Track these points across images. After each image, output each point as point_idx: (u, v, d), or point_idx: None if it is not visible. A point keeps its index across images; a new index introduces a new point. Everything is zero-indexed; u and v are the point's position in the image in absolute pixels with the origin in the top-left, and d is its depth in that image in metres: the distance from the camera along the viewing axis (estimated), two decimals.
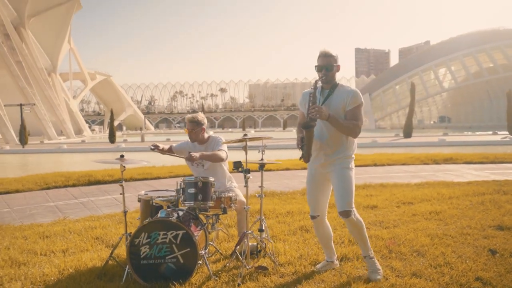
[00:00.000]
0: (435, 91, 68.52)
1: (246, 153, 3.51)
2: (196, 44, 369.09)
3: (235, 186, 4.18)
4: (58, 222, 5.82)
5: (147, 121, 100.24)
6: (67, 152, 28.50)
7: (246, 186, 3.40)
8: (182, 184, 3.42)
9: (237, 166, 3.34)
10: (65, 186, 10.04)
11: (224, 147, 4.14)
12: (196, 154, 3.71)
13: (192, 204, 3.35)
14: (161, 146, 3.94)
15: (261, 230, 3.72)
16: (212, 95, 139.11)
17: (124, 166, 3.45)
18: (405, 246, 4.01)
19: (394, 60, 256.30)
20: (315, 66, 3.21)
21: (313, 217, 3.38)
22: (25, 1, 59.40)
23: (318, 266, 3.46)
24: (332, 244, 3.58)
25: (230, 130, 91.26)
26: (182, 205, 3.44)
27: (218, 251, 3.81)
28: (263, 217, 3.78)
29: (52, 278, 3.28)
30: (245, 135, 3.57)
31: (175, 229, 3.11)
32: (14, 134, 40.48)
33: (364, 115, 76.82)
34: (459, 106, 69.89)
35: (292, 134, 55.53)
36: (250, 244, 3.72)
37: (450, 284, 3.01)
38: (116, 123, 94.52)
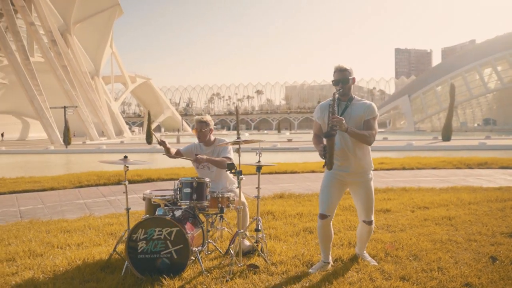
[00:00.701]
0: (480, 92, 65.60)
1: (240, 156, 3.63)
2: (234, 46, 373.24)
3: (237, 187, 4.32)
4: (81, 219, 6.20)
5: (184, 123, 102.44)
6: (106, 152, 29.73)
7: (238, 187, 3.54)
8: (179, 184, 3.61)
9: (230, 167, 3.48)
10: (97, 185, 10.58)
11: (231, 153, 4.26)
12: (203, 157, 3.89)
13: (188, 203, 3.54)
14: (168, 145, 4.12)
15: (257, 230, 3.85)
16: (248, 97, 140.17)
17: (128, 167, 3.69)
18: (403, 250, 4.00)
19: (436, 60, 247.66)
20: (332, 81, 3.44)
21: (324, 216, 3.49)
22: (71, 9, 62.53)
23: (314, 267, 3.54)
24: (330, 245, 3.66)
25: (265, 132, 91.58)
26: (179, 203, 3.64)
27: (218, 249, 3.97)
28: (259, 217, 3.90)
29: (61, 269, 3.56)
30: (238, 137, 3.70)
31: (170, 226, 3.30)
32: (59, 135, 42.62)
33: (402, 117, 74.85)
34: (505, 108, 66.60)
35: None
36: (248, 243, 3.86)
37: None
38: (154, 125, 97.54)
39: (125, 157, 3.70)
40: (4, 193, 9.50)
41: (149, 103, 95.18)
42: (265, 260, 3.56)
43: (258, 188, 3.91)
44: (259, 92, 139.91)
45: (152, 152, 28.38)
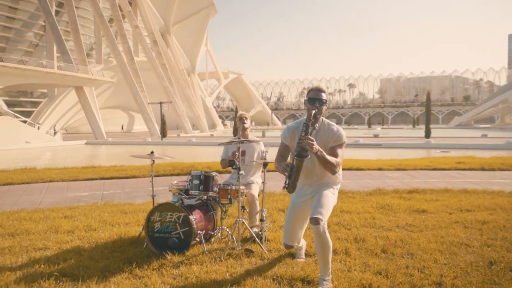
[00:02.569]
0: None
1: (240, 155, 4.10)
2: (324, 39, 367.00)
3: (256, 182, 4.80)
4: (143, 204, 7.19)
5: (274, 117, 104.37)
6: (195, 144, 32.05)
7: (238, 180, 4.03)
8: (190, 176, 4.24)
9: (231, 164, 4.00)
10: (171, 175, 11.78)
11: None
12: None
13: (196, 193, 4.14)
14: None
15: (261, 220, 4.31)
16: (340, 90, 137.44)
17: (154, 160, 4.42)
18: (403, 248, 4.14)
19: None
20: (307, 99, 3.27)
21: (287, 247, 3.50)
22: (170, 11, 67.61)
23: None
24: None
25: (356, 127, 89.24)
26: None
27: (230, 234, 4.50)
28: (264, 209, 4.36)
29: (102, 241, 4.44)
30: (239, 138, 4.17)
31: (178, 212, 3.94)
32: (158, 128, 46.73)
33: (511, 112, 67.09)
34: None
35: (410, 132, 51.91)
36: (254, 231, 4.35)
37: (402, 284, 3.20)
38: None
39: (152, 152, 4.43)
40: (95, 179, 11.13)
41: (240, 97, 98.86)
42: (261, 247, 4.01)
43: (263, 183, 4.36)
44: (351, 86, 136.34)
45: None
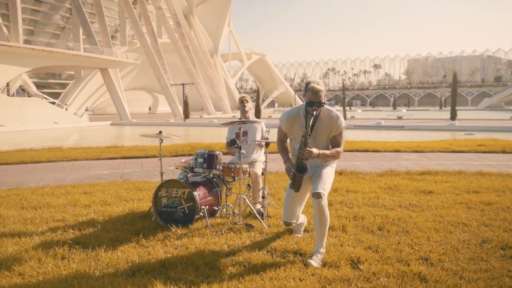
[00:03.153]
0: None
1: (241, 135, 4.29)
2: (349, 19, 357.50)
3: (259, 160, 5.01)
4: (154, 182, 7.51)
5: (297, 98, 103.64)
6: (216, 126, 32.39)
7: (239, 159, 4.23)
8: (195, 155, 4.48)
9: (233, 143, 4.20)
10: (189, 155, 12.12)
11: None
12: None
13: (201, 170, 4.38)
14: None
15: (263, 197, 4.52)
16: (365, 71, 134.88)
17: (162, 140, 4.68)
18: (399, 226, 4.27)
19: None
20: (306, 102, 3.31)
21: (287, 224, 3.65)
22: None
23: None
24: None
25: (380, 108, 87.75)
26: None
27: (234, 211, 4.73)
28: (266, 186, 4.56)
29: (115, 215, 4.76)
30: (240, 119, 4.35)
31: (183, 188, 4.19)
32: (181, 109, 47.34)
33: None
34: None
35: (436, 114, 50.52)
36: (257, 207, 4.57)
37: (390, 259, 3.36)
38: (268, 100, 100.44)
39: (160, 132, 4.68)
40: (116, 158, 11.59)
41: (264, 78, 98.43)
42: (261, 222, 4.23)
43: (265, 162, 4.55)
44: (376, 66, 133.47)
45: None
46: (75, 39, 47.81)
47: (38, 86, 55.05)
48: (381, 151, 12.77)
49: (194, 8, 68.71)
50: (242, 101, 5.08)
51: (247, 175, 4.66)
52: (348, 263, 3.23)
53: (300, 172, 3.24)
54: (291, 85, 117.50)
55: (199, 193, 4.22)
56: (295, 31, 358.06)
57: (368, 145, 13.58)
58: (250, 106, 5.10)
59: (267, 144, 4.52)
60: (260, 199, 4.75)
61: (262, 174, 5.08)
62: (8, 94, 41.16)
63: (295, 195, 3.51)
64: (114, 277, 2.91)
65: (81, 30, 45.24)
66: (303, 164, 3.22)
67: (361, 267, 3.15)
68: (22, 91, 44.01)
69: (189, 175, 4.52)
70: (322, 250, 3.36)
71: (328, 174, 3.48)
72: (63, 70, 54.77)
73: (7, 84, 41.09)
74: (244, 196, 4.34)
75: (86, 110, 41.88)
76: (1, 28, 45.27)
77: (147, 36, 50.40)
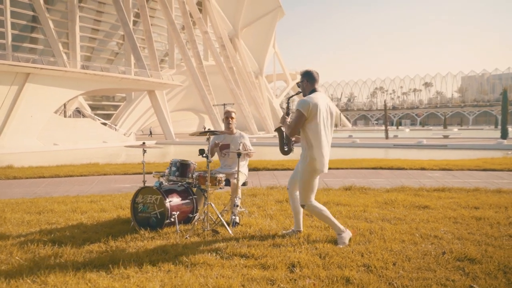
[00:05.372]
0: None
1: (210, 144, 4.53)
2: (397, 37, 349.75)
3: (241, 171, 5.20)
4: None
5: (344, 118, 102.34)
6: (254, 145, 32.79)
7: (208, 168, 4.45)
8: (170, 163, 4.77)
9: (201, 152, 4.44)
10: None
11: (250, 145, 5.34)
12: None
13: (174, 178, 4.66)
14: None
15: (236, 205, 4.70)
16: (415, 90, 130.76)
17: (145, 150, 5.03)
18: (364, 237, 4.27)
19: None
20: (297, 83, 4.35)
21: (288, 188, 4.38)
22: (239, 16, 69.68)
23: (284, 231, 4.38)
24: (300, 217, 4.37)
25: (430, 128, 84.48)
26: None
27: (211, 218, 4.95)
28: (239, 195, 4.75)
29: (103, 220, 5.13)
30: (207, 128, 4.59)
31: (156, 194, 4.49)
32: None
33: None
34: None
35: (490, 133, 47.59)
36: (235, 216, 4.76)
37: (330, 264, 3.41)
38: None
39: (143, 143, 5.04)
40: (141, 173, 12.20)
41: None
42: (226, 229, 4.40)
43: (238, 171, 4.75)
44: (427, 85, 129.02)
45: (299, 146, 30.07)
46: (127, 64, 50.88)
47: (93, 108, 58.78)
48: (406, 169, 12.44)
49: (239, 31, 70.82)
50: (228, 118, 5.36)
51: (222, 184, 4.86)
52: (285, 266, 3.33)
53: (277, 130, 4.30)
54: (337, 105, 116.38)
55: (170, 200, 4.48)
56: (342, 51, 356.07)
57: (392, 163, 13.28)
58: (235, 122, 5.38)
59: (238, 155, 4.72)
60: (237, 208, 4.93)
61: (244, 185, 5.28)
62: (65, 116, 44.38)
63: (296, 170, 4.26)
64: (63, 269, 3.22)
65: (132, 55, 48.09)
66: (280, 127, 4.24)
67: (295, 270, 3.24)
68: (78, 112, 47.27)
69: (170, 183, 4.81)
70: (341, 232, 4.08)
71: (302, 179, 4.05)
72: (114, 93, 58.18)
73: (64, 106, 44.36)
74: (212, 203, 4.54)
75: (150, 132, 44.18)
76: (61, 55, 49.23)
77: (193, 59, 52.49)
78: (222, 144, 5.32)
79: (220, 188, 4.84)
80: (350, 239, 4.08)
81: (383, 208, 5.99)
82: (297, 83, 4.23)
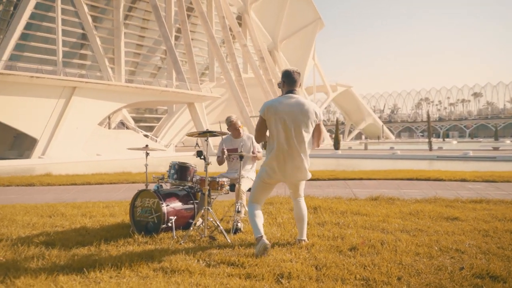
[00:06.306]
0: None
1: (207, 145, 4.31)
2: (444, 46, 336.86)
3: (247, 177, 4.95)
4: None
5: (386, 130, 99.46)
6: None
7: (205, 170, 4.22)
8: (169, 166, 4.58)
9: (199, 154, 4.22)
10: None
11: (259, 147, 5.10)
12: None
13: (173, 181, 4.46)
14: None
15: (238, 211, 4.43)
16: (463, 100, 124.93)
17: (148, 153, 4.90)
18: (375, 248, 3.86)
19: None
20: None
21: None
22: (278, 28, 70.04)
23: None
24: (303, 225, 4.03)
25: (480, 140, 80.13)
26: (168, 182, 4.60)
27: (214, 223, 4.68)
28: (240, 201, 4.47)
29: (107, 224, 5.03)
30: (207, 129, 4.37)
31: (154, 198, 4.31)
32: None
33: None
34: None
35: None
36: (238, 223, 4.49)
37: (325, 276, 3.05)
38: (355, 132, 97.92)
39: (147, 145, 4.91)
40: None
41: (350, 110, 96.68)
42: (224, 236, 4.13)
43: (239, 175, 4.49)
44: (476, 95, 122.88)
45: (335, 157, 29.41)
46: (169, 77, 52.28)
47: (136, 120, 60.78)
48: (444, 180, 11.62)
49: (279, 44, 71.11)
50: (237, 129, 5.14)
51: (225, 189, 4.62)
52: (273, 277, 3.01)
53: None
54: (380, 117, 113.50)
55: (168, 204, 4.29)
56: (384, 61, 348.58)
57: (429, 174, 12.49)
58: (241, 129, 5.16)
59: (241, 157, 4.47)
60: (242, 214, 4.66)
61: (249, 191, 5.00)
62: (109, 127, 46.14)
63: None
64: (38, 271, 3.09)
65: (173, 69, 49.43)
66: None
67: (282, 281, 2.92)
68: (122, 124, 49.04)
69: (172, 187, 4.64)
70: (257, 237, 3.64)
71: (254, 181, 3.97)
72: (156, 105, 59.92)
73: (109, 118, 46.18)
74: (210, 208, 4.29)
75: (196, 145, 45.25)
76: (107, 70, 51.48)
77: (232, 72, 53.15)
78: (229, 148, 5.09)
79: (224, 193, 4.60)
80: (265, 250, 3.53)
81: (406, 218, 5.50)
82: (278, 83, 3.90)
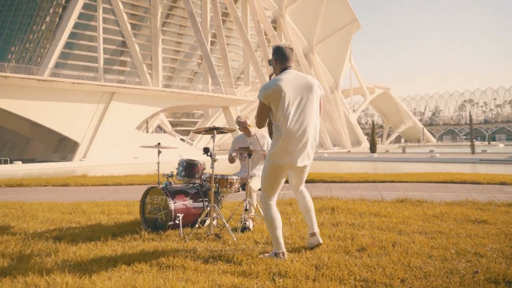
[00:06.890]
0: None
1: (214, 142, 4.26)
2: (488, 45, 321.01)
3: (258, 175, 4.87)
4: None
5: (427, 133, 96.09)
6: (323, 160, 31.96)
7: (212, 167, 4.18)
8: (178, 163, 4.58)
9: (206, 151, 4.19)
10: None
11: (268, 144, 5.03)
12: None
13: (181, 179, 4.45)
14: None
15: (246, 210, 4.35)
16: (511, 102, 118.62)
17: (160, 151, 4.93)
18: (385, 249, 3.67)
19: None
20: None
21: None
22: (313, 31, 69.51)
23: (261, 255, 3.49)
24: (311, 216, 3.77)
25: None
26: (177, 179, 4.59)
27: (224, 221, 4.62)
28: (249, 199, 4.39)
29: (121, 221, 5.10)
30: (214, 126, 4.32)
31: (162, 195, 4.32)
32: None
33: None
34: None
35: None
36: (246, 221, 4.41)
37: (323, 276, 2.91)
38: (394, 135, 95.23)
39: (159, 143, 4.94)
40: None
41: (388, 113, 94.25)
42: (230, 234, 4.06)
43: (247, 173, 4.41)
44: None
45: (369, 160, 28.69)
46: (205, 82, 53.22)
47: (173, 124, 62.15)
48: (482, 183, 11.02)
49: (314, 47, 70.52)
50: (245, 127, 5.07)
51: (235, 187, 4.56)
52: (268, 275, 2.91)
53: None
54: (420, 120, 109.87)
55: (175, 201, 4.29)
56: (425, 63, 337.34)
57: (467, 176, 11.86)
58: (253, 129, 5.07)
59: (249, 155, 4.40)
60: (252, 213, 4.59)
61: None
62: (147, 131, 47.43)
63: None
64: (38, 263, 3.15)
65: (208, 73, 50.25)
66: None
67: (275, 279, 2.81)
68: (159, 128, 50.29)
69: (183, 184, 4.65)
70: (276, 251, 3.38)
71: (262, 175, 3.56)
72: (192, 109, 60.99)
73: (147, 123, 47.49)
74: (216, 205, 4.24)
75: (219, 147, 45.96)
76: (145, 75, 53.04)
77: (267, 76, 53.24)
78: (241, 147, 5.02)
79: (234, 191, 4.55)
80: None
81: (428, 221, 5.21)
82: (268, 61, 3.53)
